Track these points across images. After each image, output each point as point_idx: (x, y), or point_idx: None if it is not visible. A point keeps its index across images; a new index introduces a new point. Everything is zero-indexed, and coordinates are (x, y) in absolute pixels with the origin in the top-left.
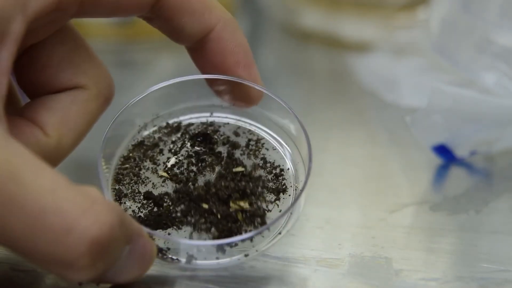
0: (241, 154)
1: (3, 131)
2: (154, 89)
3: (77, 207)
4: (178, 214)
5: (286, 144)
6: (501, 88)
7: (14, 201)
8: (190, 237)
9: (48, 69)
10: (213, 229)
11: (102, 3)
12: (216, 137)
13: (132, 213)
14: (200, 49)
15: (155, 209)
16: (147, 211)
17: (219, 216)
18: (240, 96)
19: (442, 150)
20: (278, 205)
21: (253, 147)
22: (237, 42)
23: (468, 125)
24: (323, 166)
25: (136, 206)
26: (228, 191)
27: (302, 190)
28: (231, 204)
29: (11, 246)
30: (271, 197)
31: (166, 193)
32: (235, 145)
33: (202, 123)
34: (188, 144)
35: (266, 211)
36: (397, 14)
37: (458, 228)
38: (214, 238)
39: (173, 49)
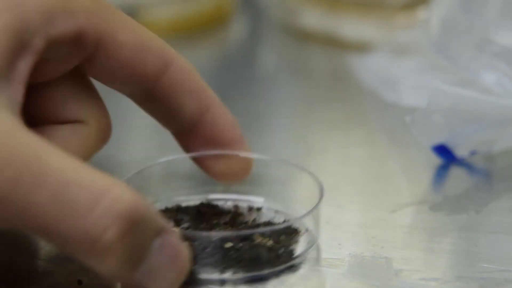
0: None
1: (24, 126)
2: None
3: (103, 183)
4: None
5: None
6: (501, 88)
7: (38, 178)
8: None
9: (52, 102)
10: (243, 262)
11: (114, 60)
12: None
13: None
14: (194, 130)
15: None
16: None
17: (246, 248)
18: (233, 170)
19: (442, 150)
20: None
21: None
22: (230, 118)
23: (468, 125)
24: (323, 166)
25: None
26: (249, 226)
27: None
28: (255, 238)
29: (35, 225)
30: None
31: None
32: (240, 214)
33: (202, 204)
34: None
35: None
36: (397, 14)
37: (458, 228)
38: (244, 268)
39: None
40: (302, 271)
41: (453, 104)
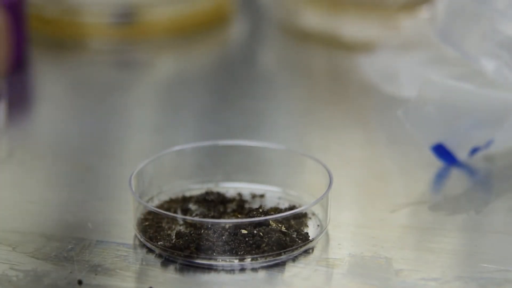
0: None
1: None
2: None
3: None
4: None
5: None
6: (500, 76)
7: None
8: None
9: None
10: (263, 245)
11: None
12: (225, 194)
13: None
14: None
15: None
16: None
17: (261, 234)
18: None
19: (442, 152)
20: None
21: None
22: None
23: (463, 118)
24: None
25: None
26: (263, 212)
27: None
28: (271, 223)
29: None
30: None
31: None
32: (245, 201)
33: (207, 192)
34: (199, 207)
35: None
36: (398, 14)
37: (458, 228)
38: (263, 253)
39: (173, 49)
40: (301, 271)
41: (445, 96)
